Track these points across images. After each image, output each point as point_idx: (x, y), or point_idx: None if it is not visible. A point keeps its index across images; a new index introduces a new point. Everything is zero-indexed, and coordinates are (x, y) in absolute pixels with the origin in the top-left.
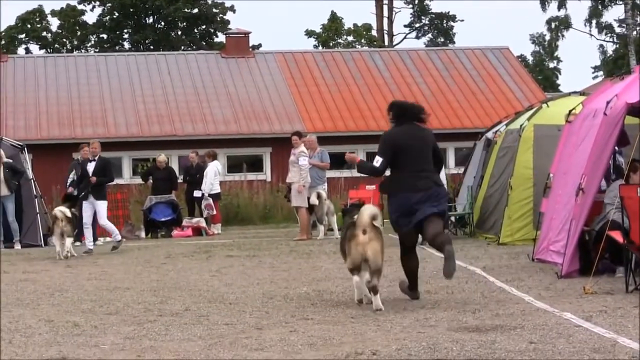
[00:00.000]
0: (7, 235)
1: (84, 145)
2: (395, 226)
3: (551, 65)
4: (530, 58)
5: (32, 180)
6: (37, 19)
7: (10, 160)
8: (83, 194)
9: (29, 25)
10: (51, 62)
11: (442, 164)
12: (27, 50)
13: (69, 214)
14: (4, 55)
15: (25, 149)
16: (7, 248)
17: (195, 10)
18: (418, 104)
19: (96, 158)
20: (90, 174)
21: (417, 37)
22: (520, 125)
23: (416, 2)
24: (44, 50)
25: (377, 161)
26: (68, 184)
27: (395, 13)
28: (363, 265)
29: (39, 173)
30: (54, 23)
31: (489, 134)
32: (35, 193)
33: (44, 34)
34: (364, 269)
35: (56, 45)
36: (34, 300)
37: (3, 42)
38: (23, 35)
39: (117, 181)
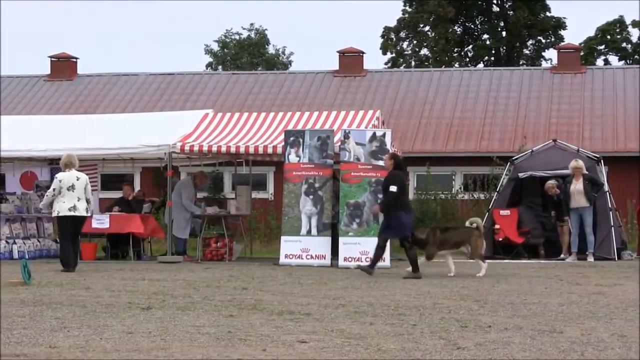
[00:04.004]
0: (582, 246)
1: None
2: None
3: None
4: None
5: (607, 193)
6: (618, 30)
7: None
8: None
9: (608, 37)
10: None
11: None
12: (606, 62)
13: None
14: (583, 66)
15: (602, 161)
16: (580, 260)
17: None
18: None
19: None
20: None
21: None
22: None
23: None
24: (622, 61)
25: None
26: None
27: None
28: None
29: (614, 186)
30: (634, 34)
31: None
32: (610, 206)
33: (624, 45)
34: None
35: (635, 57)
36: (606, 314)
37: (582, 53)
38: (602, 47)
39: None
